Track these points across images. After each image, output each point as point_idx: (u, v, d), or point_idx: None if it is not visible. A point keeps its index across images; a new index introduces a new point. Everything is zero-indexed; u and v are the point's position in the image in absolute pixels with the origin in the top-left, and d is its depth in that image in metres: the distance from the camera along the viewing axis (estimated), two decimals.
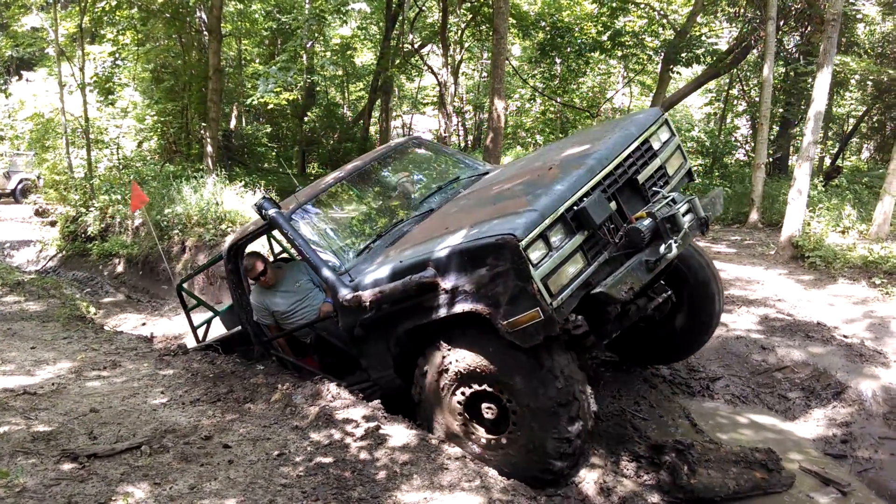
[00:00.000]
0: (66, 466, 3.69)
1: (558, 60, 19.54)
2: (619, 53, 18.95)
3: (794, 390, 5.96)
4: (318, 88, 23.27)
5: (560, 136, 21.71)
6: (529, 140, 24.54)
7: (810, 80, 13.09)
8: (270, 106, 16.47)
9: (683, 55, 16.24)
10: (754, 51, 16.98)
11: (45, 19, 17.31)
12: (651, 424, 5.37)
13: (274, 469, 3.74)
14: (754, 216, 12.76)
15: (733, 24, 18.68)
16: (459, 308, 3.90)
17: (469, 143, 25.29)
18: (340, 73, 24.45)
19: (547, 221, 3.77)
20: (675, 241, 4.09)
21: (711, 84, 21.14)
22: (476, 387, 4.13)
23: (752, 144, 16.59)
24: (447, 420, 4.33)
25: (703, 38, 17.40)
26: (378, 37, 22.54)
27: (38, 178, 19.81)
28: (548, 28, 18.67)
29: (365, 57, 26.85)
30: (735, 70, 18.49)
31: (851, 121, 21.89)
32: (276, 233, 6.74)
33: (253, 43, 23.58)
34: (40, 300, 9.60)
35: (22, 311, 8.66)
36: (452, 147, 17.91)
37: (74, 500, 3.30)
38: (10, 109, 19.07)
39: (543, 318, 3.63)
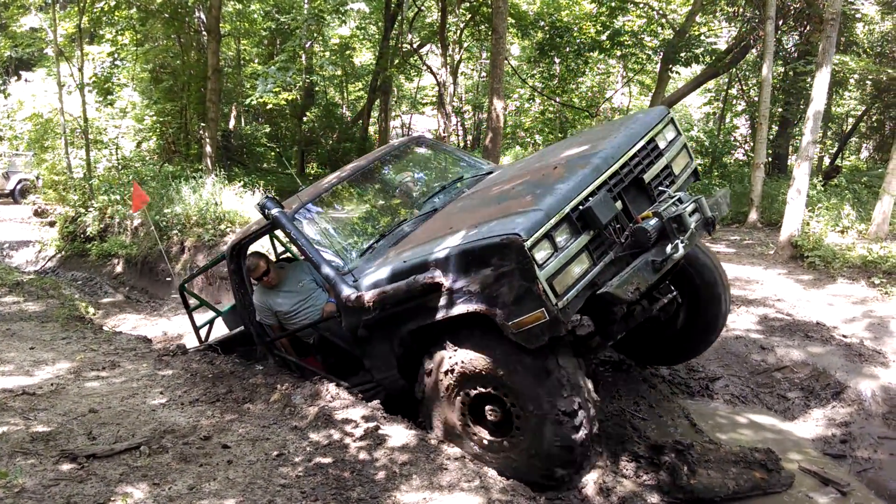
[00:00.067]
0: (65, 467, 3.69)
1: (557, 60, 19.53)
2: (618, 53, 18.94)
3: (793, 390, 5.96)
4: (317, 88, 23.24)
5: (559, 135, 21.71)
6: (528, 140, 24.53)
7: (809, 79, 13.09)
8: (269, 106, 16.46)
9: (682, 55, 16.24)
10: (753, 50, 16.99)
11: (44, 19, 17.30)
12: (650, 424, 5.36)
13: (273, 469, 3.74)
14: (753, 216, 12.76)
15: (732, 24, 18.69)
16: (464, 308, 3.87)
17: (468, 142, 25.28)
18: (339, 73, 24.41)
19: (552, 221, 3.73)
20: (682, 241, 4.06)
21: (710, 84, 21.13)
22: (480, 389, 4.10)
23: (752, 144, 16.61)
24: (450, 420, 4.30)
25: (702, 37, 17.40)
26: (377, 37, 22.51)
27: (37, 178, 19.81)
28: (547, 28, 18.66)
29: (364, 57, 26.83)
30: (734, 70, 18.49)
31: (850, 120, 21.91)
32: (278, 232, 6.71)
33: (252, 43, 23.56)
34: (39, 300, 9.60)
35: (21, 312, 8.65)
36: (452, 147, 17.88)
37: (73, 501, 3.30)
38: (8, 110, 19.08)
39: (549, 319, 3.60)
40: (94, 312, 10.09)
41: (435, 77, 21.07)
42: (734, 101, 21.46)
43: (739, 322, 7.10)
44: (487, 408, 4.15)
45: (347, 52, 22.42)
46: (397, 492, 3.55)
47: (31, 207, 19.25)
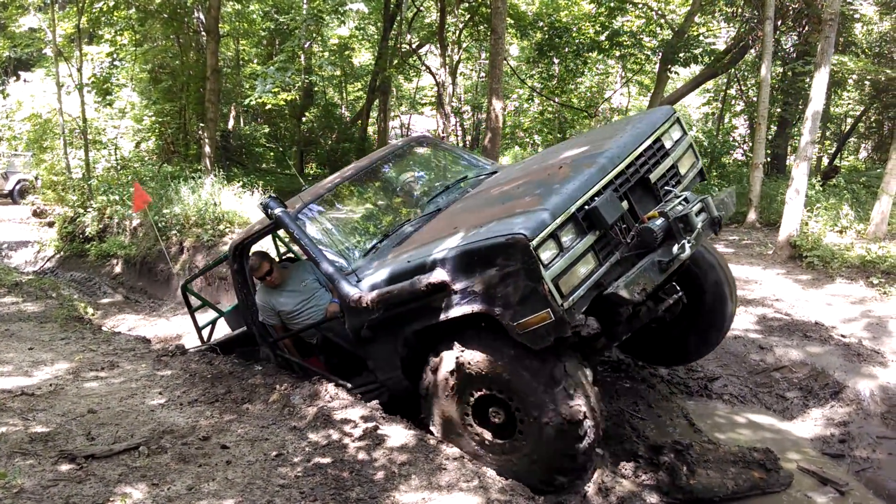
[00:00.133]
0: (64, 467, 3.69)
1: (556, 60, 19.53)
2: (617, 53, 18.93)
3: (792, 390, 5.97)
4: (316, 89, 23.23)
5: (558, 136, 21.72)
6: (527, 140, 24.53)
7: (808, 79, 13.09)
8: (268, 106, 16.42)
9: (681, 55, 16.24)
10: (752, 51, 17.00)
11: (43, 20, 17.29)
12: (649, 424, 5.36)
13: (272, 469, 3.74)
14: (752, 216, 12.77)
15: (731, 24, 18.70)
16: (468, 309, 3.84)
17: (467, 143, 25.26)
18: (338, 73, 24.40)
19: (558, 221, 3.70)
20: (689, 241, 4.03)
21: (709, 84, 21.14)
22: (485, 391, 4.06)
23: (750, 144, 16.60)
24: (453, 420, 4.27)
25: (701, 37, 17.39)
26: (376, 37, 22.51)
27: (36, 178, 19.80)
28: (546, 28, 18.65)
29: (363, 57, 26.82)
30: (733, 70, 18.50)
31: (849, 120, 21.91)
32: (281, 232, 6.68)
33: (251, 43, 23.55)
34: (38, 301, 9.59)
35: (20, 312, 8.65)
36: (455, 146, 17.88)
37: (72, 501, 3.30)
38: (7, 110, 19.07)
39: (554, 320, 3.57)
40: (93, 313, 10.09)
41: (434, 77, 21.06)
42: (733, 102, 21.46)
43: (738, 322, 7.10)
44: (491, 409, 4.12)
45: (346, 53, 22.41)
46: (396, 492, 3.55)
47: (29, 208, 19.25)
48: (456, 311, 3.90)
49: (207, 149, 15.85)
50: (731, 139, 20.39)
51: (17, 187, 23.23)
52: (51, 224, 17.27)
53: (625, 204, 4.13)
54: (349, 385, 5.07)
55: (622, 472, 4.52)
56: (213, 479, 3.60)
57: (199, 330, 7.20)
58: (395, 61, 20.51)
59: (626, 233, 4.05)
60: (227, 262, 6.05)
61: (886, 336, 6.54)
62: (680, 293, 4.73)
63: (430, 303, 4.01)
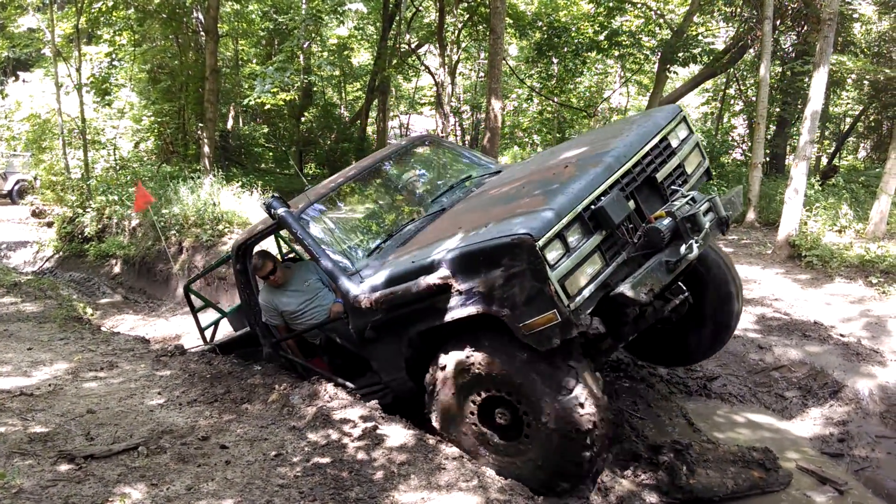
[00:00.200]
0: (63, 467, 3.69)
1: (555, 60, 19.52)
2: (616, 53, 18.92)
3: (791, 389, 5.97)
4: (315, 89, 23.24)
5: (557, 135, 21.73)
6: (526, 140, 24.54)
7: (807, 79, 13.09)
8: (267, 106, 16.43)
9: (680, 55, 16.24)
10: (751, 50, 17.01)
11: (42, 20, 17.29)
12: (648, 424, 5.36)
13: (271, 469, 3.74)
14: (751, 215, 12.77)
15: (730, 24, 18.71)
16: (474, 310, 3.80)
17: (466, 142, 25.27)
18: (337, 73, 24.42)
19: (564, 221, 3.66)
20: (696, 242, 3.99)
21: (708, 84, 21.15)
22: (494, 392, 4.01)
23: (749, 144, 16.61)
24: (457, 420, 4.20)
25: (700, 37, 17.39)
26: (375, 37, 22.52)
27: (35, 178, 19.78)
28: (544, 28, 18.64)
29: (362, 57, 26.83)
30: (732, 70, 18.51)
31: (848, 120, 21.91)
32: (283, 232, 6.64)
33: (250, 43, 23.54)
34: (37, 301, 9.58)
35: (18, 313, 8.64)
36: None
37: (71, 502, 3.29)
38: (6, 110, 19.06)
39: (560, 321, 3.53)
40: (92, 313, 10.08)
41: (433, 77, 21.05)
42: (732, 101, 21.48)
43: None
44: (497, 411, 4.07)
45: (345, 53, 22.43)
46: (395, 491, 3.55)
47: (28, 208, 19.24)
48: (461, 312, 3.86)
49: (206, 149, 15.85)
50: (730, 139, 20.41)
51: (16, 187, 23.22)
52: (50, 224, 17.27)
53: (631, 203, 4.09)
54: (352, 386, 5.03)
55: (621, 471, 4.52)
56: (212, 479, 3.60)
57: (201, 331, 7.17)
58: (394, 61, 20.51)
59: (632, 233, 4.01)
60: (229, 263, 6.02)
61: (885, 335, 6.55)
62: (686, 293, 4.69)
63: (435, 304, 3.97)
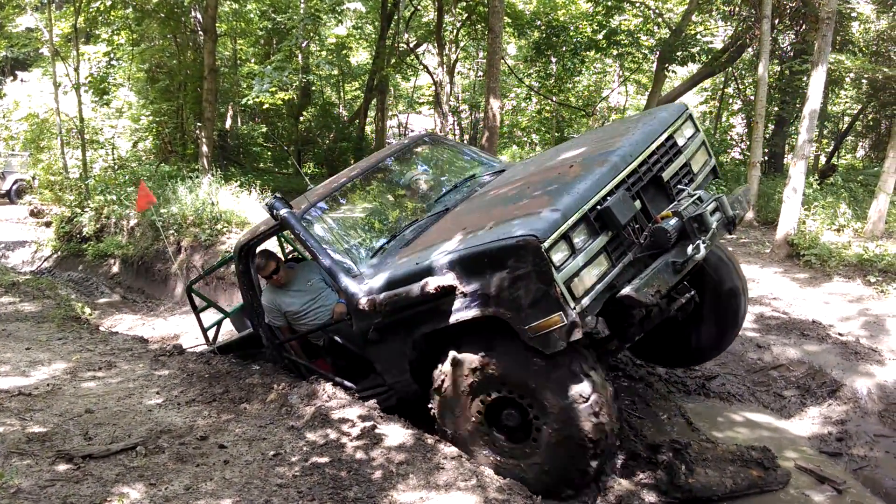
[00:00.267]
0: (61, 467, 3.68)
1: (554, 59, 19.52)
2: (615, 52, 18.92)
3: (789, 388, 5.97)
4: (313, 88, 23.21)
5: (556, 135, 21.72)
6: (525, 139, 24.54)
7: (805, 78, 13.10)
8: (266, 106, 16.42)
9: (679, 54, 16.24)
10: (749, 49, 16.99)
11: (40, 19, 17.29)
12: (647, 423, 5.36)
13: (270, 469, 3.74)
14: (749, 214, 12.76)
15: (728, 23, 18.71)
16: (478, 312, 3.76)
17: (465, 142, 25.28)
18: (336, 72, 24.40)
19: (570, 222, 3.63)
20: (704, 242, 3.94)
21: (707, 83, 21.14)
22: (506, 393, 3.95)
23: (748, 143, 16.59)
24: (463, 419, 4.15)
25: (699, 36, 17.40)
26: (373, 36, 22.51)
27: (33, 178, 19.78)
28: (543, 27, 18.65)
29: (360, 56, 26.83)
30: (730, 68, 18.50)
31: (846, 119, 21.92)
32: (286, 233, 6.59)
33: (248, 43, 23.53)
34: (35, 301, 9.58)
35: (17, 312, 8.64)
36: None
37: (69, 501, 3.29)
38: (4, 110, 19.04)
39: (566, 323, 3.48)
40: (91, 313, 10.07)
41: (431, 76, 21.05)
42: (730, 100, 21.46)
43: None
44: (505, 412, 4.02)
45: (344, 52, 22.43)
46: (394, 491, 3.55)
47: (27, 208, 19.26)
48: (465, 315, 3.82)
49: (205, 148, 15.83)
50: (729, 138, 20.39)
51: (15, 187, 23.23)
52: (48, 224, 17.27)
53: (637, 203, 4.05)
54: (356, 388, 4.99)
55: (620, 470, 4.52)
56: (210, 479, 3.60)
57: (204, 331, 7.14)
58: (393, 60, 20.50)
59: (638, 233, 3.96)
60: (230, 263, 5.98)
61: (884, 334, 6.55)
62: (692, 292, 4.63)
63: (439, 306, 3.92)
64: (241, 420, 4.52)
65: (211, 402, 4.92)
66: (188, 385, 5.35)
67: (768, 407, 5.84)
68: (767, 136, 16.65)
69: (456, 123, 24.54)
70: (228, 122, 22.55)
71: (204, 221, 12.44)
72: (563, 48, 18.19)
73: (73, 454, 3.83)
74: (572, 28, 18.82)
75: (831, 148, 21.29)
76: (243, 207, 13.12)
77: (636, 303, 3.65)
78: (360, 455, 3.91)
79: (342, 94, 27.74)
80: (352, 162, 20.45)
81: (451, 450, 4.11)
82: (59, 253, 16.09)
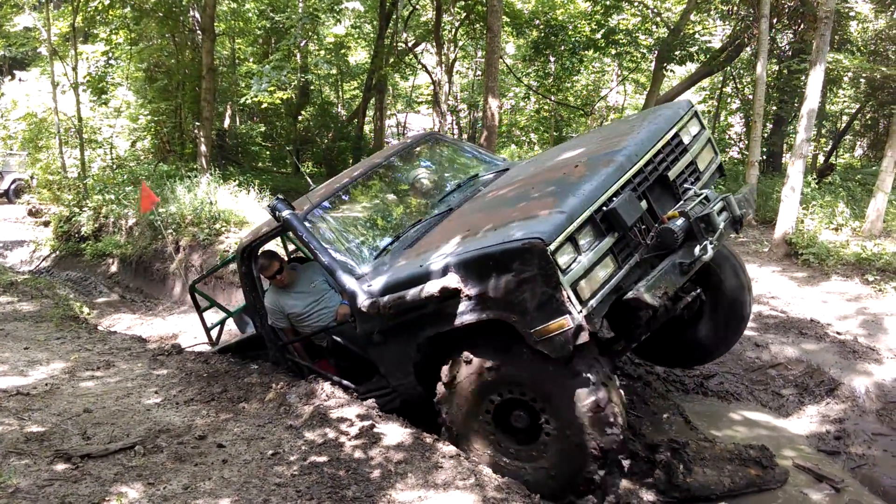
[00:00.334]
0: (60, 467, 3.68)
1: (552, 59, 19.51)
2: (613, 52, 18.92)
3: (787, 387, 5.98)
4: (311, 87, 23.22)
5: (554, 134, 21.73)
6: (524, 138, 24.55)
7: (803, 77, 13.10)
8: (264, 105, 16.43)
9: (677, 53, 16.24)
10: (747, 48, 16.99)
11: (38, 19, 17.28)
12: (646, 422, 5.37)
13: (268, 468, 3.74)
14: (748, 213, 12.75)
15: (726, 22, 18.70)
16: (484, 315, 3.72)
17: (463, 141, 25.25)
18: (334, 71, 24.38)
19: (575, 224, 3.58)
20: (711, 242, 3.89)
21: (705, 82, 21.15)
22: (518, 395, 3.90)
23: (746, 142, 16.59)
24: (469, 417, 4.11)
25: (697, 36, 17.41)
26: (372, 35, 22.51)
27: (32, 178, 19.75)
28: (541, 26, 18.64)
29: (359, 56, 26.82)
30: (728, 68, 18.50)
31: (845, 118, 21.94)
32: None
33: (247, 42, 23.51)
34: (33, 300, 9.57)
35: (15, 312, 8.63)
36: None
37: (68, 501, 3.29)
38: (3, 109, 19.03)
39: (573, 326, 3.44)
40: (89, 312, 10.07)
41: (430, 76, 21.06)
42: (729, 100, 21.47)
43: None
44: (515, 413, 3.97)
45: (342, 51, 22.39)
46: (392, 490, 3.55)
47: (25, 207, 19.23)
48: (470, 318, 3.78)
49: (203, 148, 15.80)
50: (727, 137, 20.40)
51: (13, 186, 23.18)
52: (46, 223, 17.24)
53: (643, 203, 4.00)
54: (360, 389, 4.96)
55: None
56: (209, 479, 3.60)
57: (208, 332, 7.12)
58: (392, 60, 20.50)
59: (645, 234, 3.91)
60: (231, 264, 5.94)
61: (882, 333, 6.56)
62: (698, 290, 4.57)
63: (444, 308, 3.88)
64: (240, 419, 4.52)
65: (209, 402, 4.92)
66: (186, 384, 5.35)
67: (766, 405, 5.84)
68: (766, 135, 16.67)
69: (454, 123, 24.55)
70: (227, 122, 22.54)
71: (202, 221, 12.42)
72: (562, 47, 18.18)
73: (71, 454, 3.82)
74: (571, 27, 18.82)
75: (829, 147, 21.31)
76: (242, 207, 13.10)
77: (644, 305, 3.61)
78: (358, 454, 3.91)
79: (341, 93, 27.75)
80: (350, 161, 20.46)
81: (449, 449, 4.10)
82: (58, 252, 16.06)
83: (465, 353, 4.01)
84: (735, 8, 17.13)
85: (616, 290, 3.71)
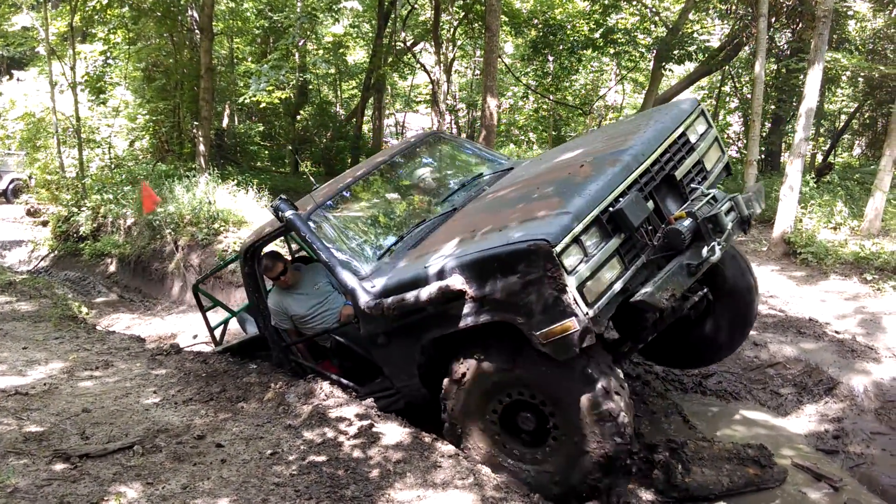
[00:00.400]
0: (58, 467, 3.68)
1: (551, 58, 19.53)
2: (612, 51, 18.91)
3: (786, 386, 5.98)
4: (310, 87, 23.23)
5: (553, 133, 21.74)
6: (522, 138, 24.56)
7: (802, 76, 13.11)
8: (263, 104, 16.42)
9: (675, 52, 16.25)
10: (746, 48, 17.00)
11: (36, 18, 17.22)
12: (644, 422, 5.36)
13: (267, 468, 3.74)
14: None
15: (725, 22, 18.71)
16: (489, 317, 3.67)
17: None
18: (333, 71, 24.38)
19: (582, 225, 3.53)
20: (719, 243, 3.83)
21: (703, 81, 21.15)
22: (528, 397, 3.86)
23: (744, 141, 16.60)
24: (475, 416, 4.08)
25: (695, 35, 17.42)
26: (370, 35, 22.51)
27: (30, 177, 19.72)
28: (540, 26, 18.65)
29: (357, 55, 26.81)
30: (727, 67, 18.52)
31: (843, 117, 21.95)
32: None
33: (245, 41, 23.50)
34: (32, 300, 9.56)
35: (13, 312, 8.62)
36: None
37: (66, 501, 3.29)
38: (0, 109, 18.97)
39: (579, 329, 3.38)
40: (88, 312, 10.06)
41: (429, 75, 21.06)
42: (727, 99, 21.48)
43: None
44: (522, 414, 3.94)
45: (341, 51, 22.39)
46: (391, 489, 3.55)
47: (23, 207, 19.20)
48: (475, 320, 3.73)
49: (202, 147, 15.79)
50: (726, 136, 20.41)
51: (11, 186, 23.15)
52: (45, 223, 17.22)
53: (650, 204, 3.95)
54: (364, 390, 4.94)
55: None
56: (207, 478, 3.60)
57: (211, 331, 7.11)
58: (390, 59, 20.50)
59: (652, 235, 3.86)
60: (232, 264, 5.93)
61: (880, 332, 6.56)
62: (705, 290, 4.53)
63: (448, 310, 3.83)
64: (239, 419, 4.52)
65: (208, 401, 4.92)
66: (185, 384, 5.34)
67: (765, 405, 5.84)
68: (764, 134, 16.69)
69: (453, 122, 24.56)
70: (225, 121, 22.52)
71: (201, 220, 12.41)
72: (560, 47, 18.19)
73: (70, 453, 3.82)
74: (569, 27, 18.83)
75: (828, 146, 21.33)
76: (240, 206, 13.09)
77: (651, 307, 3.57)
78: (357, 454, 3.91)
79: (339, 92, 27.74)
80: (349, 160, 20.46)
81: (448, 448, 4.10)
82: (56, 252, 16.05)
83: (476, 353, 3.97)
84: (733, 7, 17.13)
85: (623, 291, 3.67)
